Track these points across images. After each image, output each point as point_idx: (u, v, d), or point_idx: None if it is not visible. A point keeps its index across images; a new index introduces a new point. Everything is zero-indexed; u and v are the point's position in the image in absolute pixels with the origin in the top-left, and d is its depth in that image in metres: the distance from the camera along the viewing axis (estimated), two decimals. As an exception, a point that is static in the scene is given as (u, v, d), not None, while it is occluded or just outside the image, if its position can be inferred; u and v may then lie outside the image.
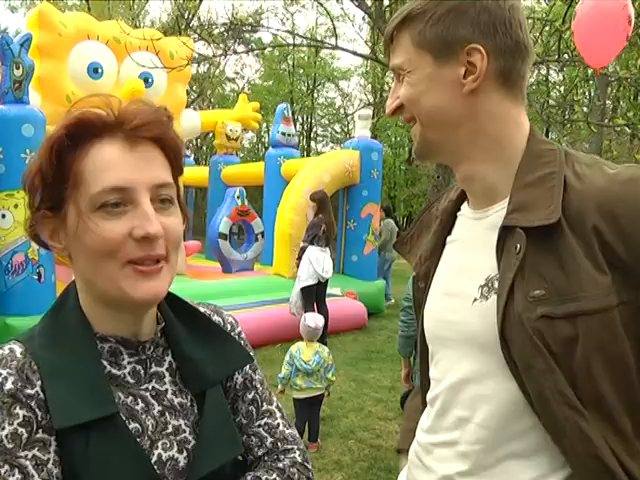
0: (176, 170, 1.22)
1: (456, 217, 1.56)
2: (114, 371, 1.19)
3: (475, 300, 1.38)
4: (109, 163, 1.12)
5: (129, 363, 1.21)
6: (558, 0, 9.71)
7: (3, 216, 7.70)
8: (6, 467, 1.03)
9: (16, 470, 1.04)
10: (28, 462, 1.05)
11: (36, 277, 7.75)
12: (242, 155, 22.08)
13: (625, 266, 1.22)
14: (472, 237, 1.47)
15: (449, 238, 1.55)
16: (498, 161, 1.40)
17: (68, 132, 1.13)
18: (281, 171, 12.39)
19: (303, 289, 8.77)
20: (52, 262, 8.01)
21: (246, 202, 11.90)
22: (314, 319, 5.76)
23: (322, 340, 6.65)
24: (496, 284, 1.34)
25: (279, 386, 5.67)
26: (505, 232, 1.32)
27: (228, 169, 14.87)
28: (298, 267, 9.07)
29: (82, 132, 1.13)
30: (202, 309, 1.40)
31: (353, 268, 11.73)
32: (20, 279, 7.76)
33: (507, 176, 1.39)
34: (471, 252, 1.45)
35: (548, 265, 1.26)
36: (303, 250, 9.00)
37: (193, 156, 23.35)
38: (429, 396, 1.55)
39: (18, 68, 8.00)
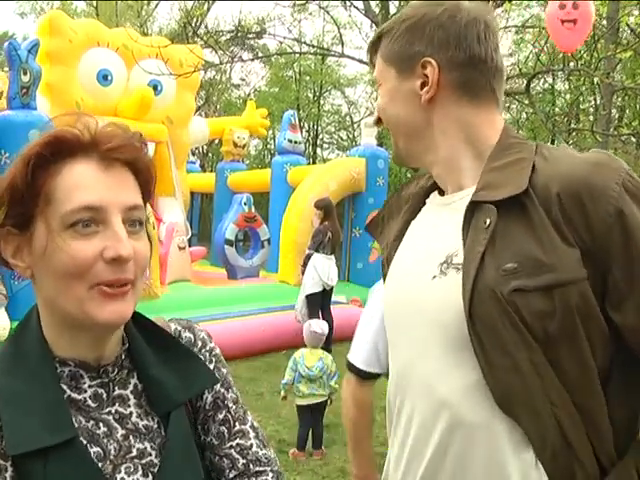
0: (146, 196, 1.22)
1: (425, 204, 1.62)
2: (74, 395, 1.17)
3: (434, 277, 1.41)
4: (82, 182, 1.11)
5: (90, 387, 1.18)
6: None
7: None
8: None
9: None
10: None
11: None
12: (248, 162, 22.08)
13: (584, 243, 1.27)
14: (435, 221, 1.52)
15: (412, 222, 1.61)
16: (467, 157, 1.48)
17: (44, 149, 1.12)
18: (287, 178, 12.40)
19: (308, 296, 8.78)
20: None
21: (253, 208, 11.91)
22: (319, 325, 5.80)
23: (327, 347, 6.66)
24: (454, 260, 1.38)
25: (282, 392, 5.69)
26: (473, 208, 1.37)
27: (234, 176, 14.88)
28: (303, 274, 9.09)
29: (58, 150, 1.12)
30: (173, 326, 1.37)
31: (358, 275, 11.72)
32: (26, 284, 7.77)
33: (476, 166, 1.46)
34: (433, 234, 1.50)
35: (520, 238, 1.30)
36: (308, 257, 9.01)
37: (199, 162, 23.36)
38: (389, 382, 1.58)
39: (25, 74, 8.05)
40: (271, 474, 1.32)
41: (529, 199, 1.31)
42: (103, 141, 1.14)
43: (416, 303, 1.46)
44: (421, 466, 1.44)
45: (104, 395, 1.20)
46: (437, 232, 1.49)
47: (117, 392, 1.21)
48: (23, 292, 7.77)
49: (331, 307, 9.05)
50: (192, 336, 1.37)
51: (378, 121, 1.59)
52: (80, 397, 1.17)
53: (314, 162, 26.70)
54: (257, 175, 15.20)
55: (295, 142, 12.95)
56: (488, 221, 1.33)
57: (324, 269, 8.77)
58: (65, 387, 1.16)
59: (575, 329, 1.28)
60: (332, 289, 9.01)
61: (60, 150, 1.12)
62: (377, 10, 15.79)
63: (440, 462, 1.40)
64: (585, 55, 10.26)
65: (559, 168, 1.33)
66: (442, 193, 1.58)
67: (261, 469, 1.32)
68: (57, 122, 1.16)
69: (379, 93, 1.56)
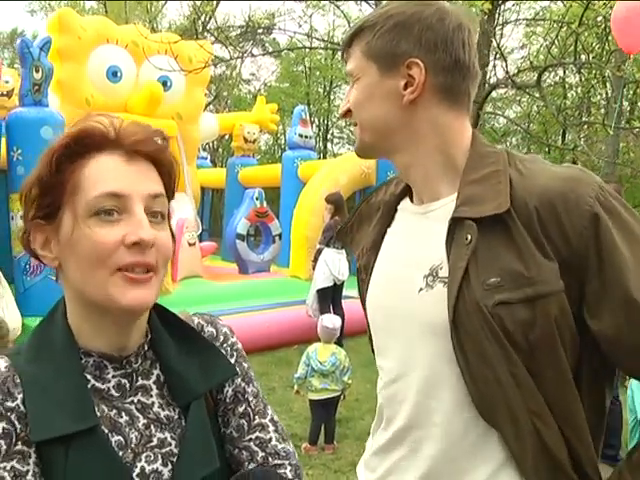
0: (169, 191, 1.26)
1: (396, 211, 1.64)
2: (98, 385, 1.20)
3: (421, 290, 1.45)
4: (107, 172, 1.16)
5: (114, 377, 1.22)
6: (575, 2, 9.68)
7: (22, 217, 7.75)
8: None
9: None
10: (6, 473, 1.08)
11: (54, 277, 7.74)
12: (259, 157, 22.07)
13: (561, 254, 1.33)
14: (415, 230, 1.54)
15: (389, 230, 1.63)
16: (441, 164, 1.49)
17: (71, 142, 1.17)
18: (298, 173, 12.40)
19: (319, 291, 8.78)
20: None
21: (265, 203, 11.91)
22: (331, 320, 5.80)
23: (338, 342, 6.67)
24: (440, 273, 1.42)
25: (295, 386, 5.71)
26: (455, 224, 1.40)
27: (245, 171, 14.88)
28: (314, 269, 9.09)
29: (84, 143, 1.17)
30: (196, 320, 1.40)
31: (369, 270, 11.67)
32: (38, 279, 7.82)
33: (450, 174, 1.48)
34: (414, 244, 1.52)
35: (501, 254, 1.35)
36: (319, 252, 9.01)
37: (209, 158, 23.38)
38: (379, 386, 1.63)
39: (37, 71, 8.07)
40: (289, 467, 1.34)
41: (509, 215, 1.35)
42: (127, 135, 1.18)
43: (405, 313, 1.50)
44: (408, 474, 1.50)
45: (127, 385, 1.23)
46: (417, 242, 1.52)
47: (140, 382, 1.25)
48: (35, 288, 7.81)
49: (342, 302, 9.05)
50: (214, 330, 1.40)
51: (345, 114, 1.57)
52: (104, 387, 1.21)
53: (324, 157, 26.70)
54: (268, 170, 15.18)
55: (306, 137, 12.94)
56: (469, 237, 1.37)
57: (335, 264, 8.76)
58: (89, 377, 1.20)
59: (554, 338, 1.34)
60: (343, 284, 9.00)
61: (86, 143, 1.17)
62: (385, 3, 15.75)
63: (427, 474, 1.46)
64: (596, 48, 10.21)
65: (535, 183, 1.37)
66: (411, 196, 1.61)
67: (280, 462, 1.34)
68: (87, 119, 1.20)
69: (354, 87, 1.54)
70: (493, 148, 1.50)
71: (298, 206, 11.01)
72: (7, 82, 9.97)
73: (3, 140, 8.17)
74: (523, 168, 1.42)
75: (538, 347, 1.33)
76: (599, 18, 9.94)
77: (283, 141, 29.42)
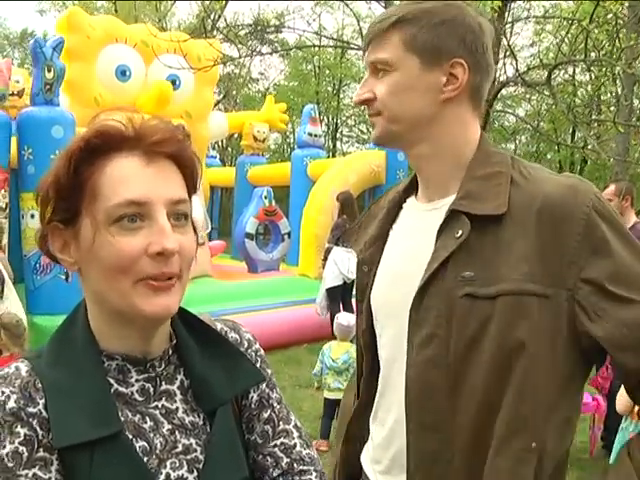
0: (190, 189, 1.22)
1: (401, 208, 1.68)
2: (121, 389, 1.17)
3: None
4: (127, 177, 1.11)
5: (137, 381, 1.19)
6: (585, -1, 9.64)
7: (32, 216, 7.80)
8: None
9: None
10: None
11: (63, 276, 7.79)
12: (268, 156, 22.07)
13: (554, 260, 1.37)
14: (421, 225, 1.57)
15: (394, 226, 1.67)
16: (453, 156, 1.54)
17: (88, 143, 1.12)
18: (307, 171, 12.39)
19: (328, 290, 8.78)
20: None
21: (273, 202, 11.90)
22: (347, 318, 5.84)
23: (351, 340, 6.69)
24: None
25: (315, 382, 5.77)
26: (451, 216, 1.45)
27: (254, 169, 14.88)
28: (324, 268, 9.08)
29: (101, 144, 1.12)
30: (219, 325, 1.38)
31: (379, 268, 11.64)
32: (48, 278, 7.84)
33: (460, 171, 1.52)
34: (419, 239, 1.55)
35: (485, 251, 1.41)
36: (328, 251, 9.00)
37: (219, 156, 23.39)
38: (380, 376, 1.66)
39: (49, 71, 8.11)
40: (315, 473, 1.33)
41: (503, 216, 1.41)
42: (147, 135, 1.14)
43: (408, 305, 1.51)
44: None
45: (151, 390, 1.21)
46: (423, 238, 1.54)
47: (164, 387, 1.22)
48: (45, 287, 7.83)
49: (352, 300, 9.04)
50: (238, 337, 1.39)
51: (366, 101, 1.56)
52: (127, 391, 1.18)
53: (334, 155, 26.67)
54: (277, 169, 15.18)
55: (315, 135, 12.93)
56: (460, 232, 1.42)
57: (344, 262, 8.75)
58: (112, 381, 1.17)
59: (502, 337, 1.38)
60: (353, 282, 8.99)
61: (103, 144, 1.13)
62: (397, 3, 15.70)
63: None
64: (607, 45, 10.16)
65: (539, 188, 1.42)
66: (417, 195, 1.65)
67: (305, 468, 1.33)
68: (104, 117, 1.16)
69: (389, 78, 1.52)
70: (498, 149, 1.56)
71: (307, 205, 11.00)
72: (17, 82, 10.02)
73: (14, 139, 8.20)
74: (527, 174, 1.47)
75: (488, 346, 1.39)
76: (609, 15, 9.90)
77: (292, 140, 29.44)
